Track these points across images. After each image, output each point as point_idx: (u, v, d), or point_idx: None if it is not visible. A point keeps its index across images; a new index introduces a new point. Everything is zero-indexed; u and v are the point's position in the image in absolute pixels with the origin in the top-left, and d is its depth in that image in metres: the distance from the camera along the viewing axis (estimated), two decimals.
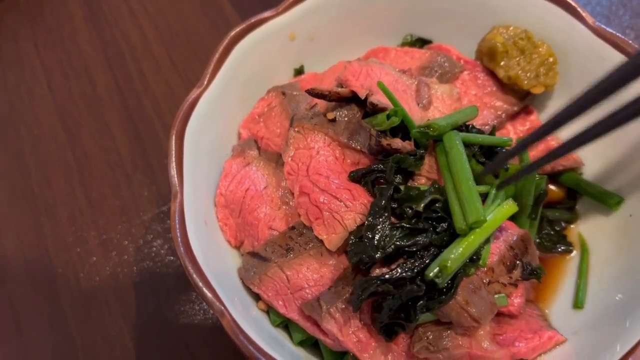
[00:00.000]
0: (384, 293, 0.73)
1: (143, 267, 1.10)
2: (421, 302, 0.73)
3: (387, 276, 0.74)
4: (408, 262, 0.74)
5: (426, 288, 0.72)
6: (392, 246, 0.74)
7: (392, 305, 0.73)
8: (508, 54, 0.96)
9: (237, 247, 0.93)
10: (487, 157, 0.86)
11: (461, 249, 0.72)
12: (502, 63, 0.97)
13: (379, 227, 0.75)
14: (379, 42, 1.10)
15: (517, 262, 0.83)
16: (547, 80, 0.95)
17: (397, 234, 0.75)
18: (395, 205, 0.78)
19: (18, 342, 1.06)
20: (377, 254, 0.74)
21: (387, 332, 0.76)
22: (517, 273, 0.83)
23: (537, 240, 0.94)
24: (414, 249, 0.74)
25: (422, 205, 0.76)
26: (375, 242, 0.74)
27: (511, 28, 0.98)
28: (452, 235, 0.75)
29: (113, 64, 1.39)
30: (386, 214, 0.76)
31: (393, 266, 0.75)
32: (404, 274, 0.74)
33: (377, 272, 0.75)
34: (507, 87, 0.98)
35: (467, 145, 0.81)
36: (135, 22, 1.44)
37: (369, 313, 0.79)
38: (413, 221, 0.76)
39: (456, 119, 0.82)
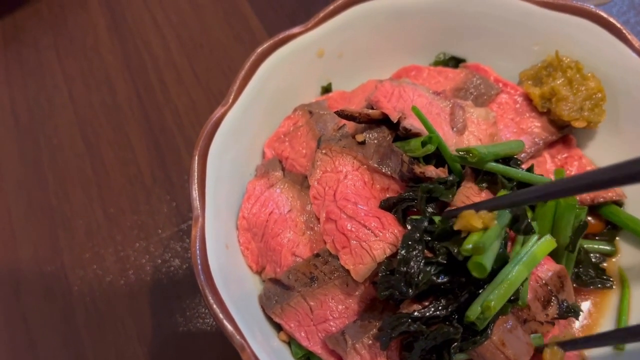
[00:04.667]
0: (416, 333, 0.69)
1: (160, 287, 1.07)
2: (455, 343, 0.69)
3: (418, 314, 0.69)
4: (442, 300, 0.70)
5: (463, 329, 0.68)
6: (426, 282, 0.70)
7: (425, 345, 0.69)
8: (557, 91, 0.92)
9: (259, 273, 0.89)
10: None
11: (504, 287, 0.68)
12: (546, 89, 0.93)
13: (412, 261, 0.71)
14: (410, 59, 1.06)
15: (553, 298, 0.79)
16: (591, 116, 0.90)
17: (432, 270, 0.70)
18: (429, 239, 0.73)
19: (31, 358, 1.03)
20: (410, 290, 0.69)
21: None
22: (552, 310, 0.78)
23: (575, 273, 0.89)
24: (449, 286, 0.70)
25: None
26: (408, 277, 0.70)
27: (565, 59, 0.94)
28: (490, 274, 0.70)
29: (134, 74, 1.36)
30: (420, 248, 0.72)
31: (426, 303, 0.70)
32: (437, 312, 0.69)
33: (408, 308, 0.71)
34: (546, 115, 0.93)
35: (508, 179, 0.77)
36: (158, 32, 1.42)
37: (396, 350, 0.75)
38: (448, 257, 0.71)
39: (499, 150, 0.77)
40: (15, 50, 1.44)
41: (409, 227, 0.74)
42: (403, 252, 0.72)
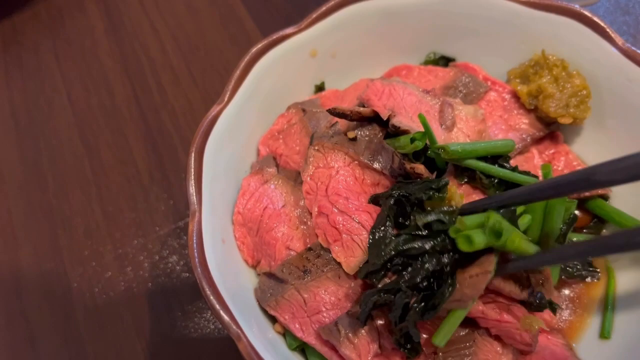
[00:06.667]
0: (386, 304, 0.71)
1: (158, 283, 1.09)
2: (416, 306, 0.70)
3: (388, 286, 0.71)
4: (410, 269, 0.72)
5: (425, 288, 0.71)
6: (393, 252, 0.72)
7: (395, 316, 0.71)
8: (544, 89, 0.94)
9: (254, 267, 0.91)
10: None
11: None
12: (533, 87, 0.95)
13: (379, 233, 0.75)
14: (401, 59, 1.08)
15: (529, 287, 0.79)
16: (577, 113, 0.92)
17: (400, 241, 0.73)
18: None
19: (31, 355, 1.05)
20: (380, 261, 0.72)
21: (407, 348, 0.74)
22: (523, 295, 0.78)
23: (562, 265, 0.91)
24: (414, 253, 0.72)
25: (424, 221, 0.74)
26: (377, 249, 0.73)
27: (551, 57, 0.96)
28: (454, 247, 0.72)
29: (132, 77, 1.39)
30: (388, 223, 0.75)
31: (395, 276, 0.73)
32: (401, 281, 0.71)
33: (381, 283, 0.73)
34: (534, 112, 0.96)
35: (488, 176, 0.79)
36: (156, 35, 1.44)
37: (389, 338, 0.77)
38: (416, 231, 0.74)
39: (478, 148, 0.79)
40: (14, 53, 1.46)
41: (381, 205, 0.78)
42: (373, 229, 0.76)
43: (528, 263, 0.72)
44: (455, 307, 0.72)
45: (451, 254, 0.72)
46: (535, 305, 0.77)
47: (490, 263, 0.71)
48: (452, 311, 0.72)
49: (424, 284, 0.71)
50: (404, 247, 0.72)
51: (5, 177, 1.26)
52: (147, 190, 1.21)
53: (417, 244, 0.72)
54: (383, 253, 0.72)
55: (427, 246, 0.72)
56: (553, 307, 0.80)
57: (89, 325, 1.07)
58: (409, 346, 0.74)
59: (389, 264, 0.72)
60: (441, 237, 0.72)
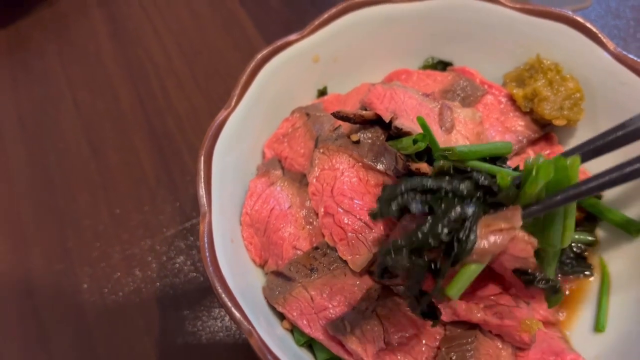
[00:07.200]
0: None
1: (166, 284, 1.12)
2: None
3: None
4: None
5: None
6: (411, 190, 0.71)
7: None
8: (539, 92, 0.98)
9: (262, 266, 0.95)
10: None
11: None
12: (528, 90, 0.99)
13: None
14: (401, 64, 1.11)
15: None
16: (570, 115, 0.96)
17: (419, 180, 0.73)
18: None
19: (43, 354, 1.08)
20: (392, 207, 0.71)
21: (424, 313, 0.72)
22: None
23: (557, 264, 0.95)
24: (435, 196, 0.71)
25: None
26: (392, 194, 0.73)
27: (545, 61, 1.00)
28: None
29: (137, 81, 1.42)
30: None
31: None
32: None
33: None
34: (529, 114, 1.00)
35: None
36: (159, 41, 1.47)
37: (393, 334, 0.80)
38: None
39: (483, 149, 0.82)
40: (20, 58, 1.49)
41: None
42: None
43: (544, 206, 0.72)
44: (472, 262, 0.69)
45: (477, 199, 0.70)
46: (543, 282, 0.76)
47: (517, 218, 0.69)
48: (466, 265, 0.69)
49: (445, 231, 0.67)
50: (427, 184, 0.70)
51: (14, 180, 1.29)
52: (154, 192, 1.24)
53: (441, 184, 0.70)
54: (398, 196, 0.70)
55: (450, 187, 0.70)
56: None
57: (99, 324, 1.10)
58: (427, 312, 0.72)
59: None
60: (469, 178, 0.71)
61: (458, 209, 0.69)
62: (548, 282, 0.75)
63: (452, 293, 0.69)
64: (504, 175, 0.70)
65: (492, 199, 0.72)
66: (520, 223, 0.69)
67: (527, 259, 0.72)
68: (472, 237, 0.68)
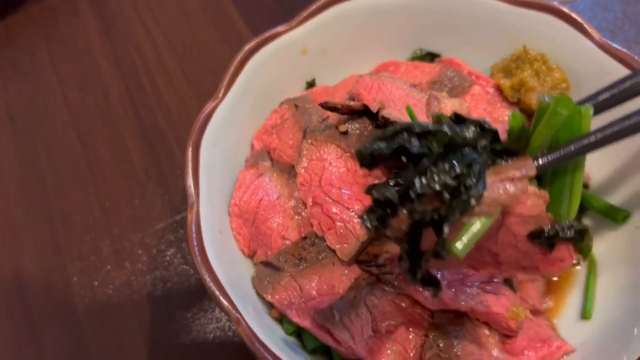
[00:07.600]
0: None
1: (156, 276, 1.12)
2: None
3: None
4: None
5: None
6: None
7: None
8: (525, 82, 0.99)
9: (250, 256, 0.95)
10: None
11: None
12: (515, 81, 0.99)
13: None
14: (389, 55, 1.12)
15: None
16: None
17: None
18: None
19: (33, 349, 1.08)
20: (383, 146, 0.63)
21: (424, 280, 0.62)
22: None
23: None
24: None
25: None
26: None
27: (532, 52, 1.01)
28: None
29: (126, 77, 1.41)
30: None
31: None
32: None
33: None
34: (516, 104, 1.00)
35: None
36: (149, 36, 1.47)
37: (381, 322, 0.80)
38: None
39: None
40: (9, 55, 1.48)
41: None
42: None
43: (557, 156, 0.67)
44: (481, 214, 0.60)
45: (483, 147, 0.64)
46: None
47: (530, 166, 0.62)
48: (473, 218, 0.60)
49: (453, 175, 0.59)
50: (427, 127, 0.62)
51: (4, 176, 1.29)
52: (144, 186, 1.24)
53: (442, 128, 0.62)
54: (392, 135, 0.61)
55: (452, 132, 0.62)
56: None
57: (90, 318, 1.10)
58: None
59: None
60: (473, 122, 0.65)
61: (465, 150, 0.61)
62: (571, 228, 0.63)
63: (458, 249, 0.58)
64: (516, 115, 0.66)
65: (500, 147, 0.65)
66: (535, 172, 0.62)
67: (540, 216, 0.63)
68: (481, 182, 0.59)
